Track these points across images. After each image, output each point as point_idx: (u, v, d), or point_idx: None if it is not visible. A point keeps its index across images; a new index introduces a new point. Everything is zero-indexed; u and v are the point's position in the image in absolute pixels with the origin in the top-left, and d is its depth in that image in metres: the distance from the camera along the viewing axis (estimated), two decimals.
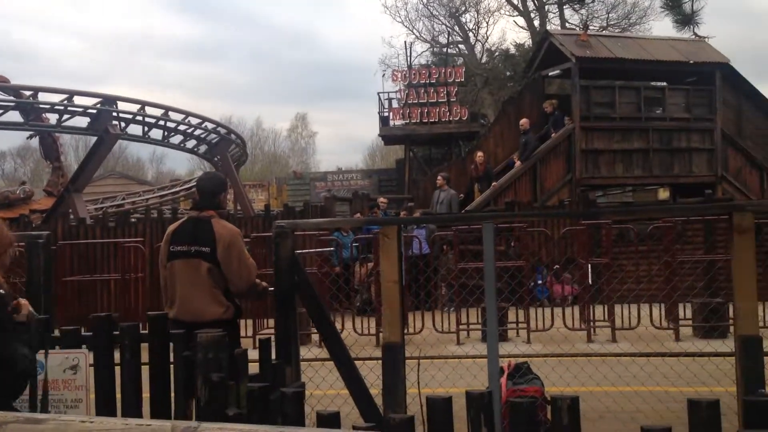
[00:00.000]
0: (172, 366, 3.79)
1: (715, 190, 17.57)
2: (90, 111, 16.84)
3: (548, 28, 28.85)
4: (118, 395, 3.76)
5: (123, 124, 17.74)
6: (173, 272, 4.64)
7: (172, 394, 3.77)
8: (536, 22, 33.04)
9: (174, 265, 4.64)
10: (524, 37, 34.12)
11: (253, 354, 3.90)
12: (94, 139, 18.01)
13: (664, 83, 19.04)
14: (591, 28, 28.69)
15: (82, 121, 17.53)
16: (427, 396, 2.94)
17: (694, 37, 18.10)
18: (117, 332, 3.74)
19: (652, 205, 18.16)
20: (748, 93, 18.61)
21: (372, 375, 4.64)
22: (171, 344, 3.82)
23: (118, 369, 3.78)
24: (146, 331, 3.80)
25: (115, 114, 17.20)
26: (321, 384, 5.43)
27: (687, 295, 10.76)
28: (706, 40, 18.45)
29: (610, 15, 32.55)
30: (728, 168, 18.20)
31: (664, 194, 25.03)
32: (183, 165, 55.48)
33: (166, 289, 4.73)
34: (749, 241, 4.04)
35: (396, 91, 22.57)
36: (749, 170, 18.53)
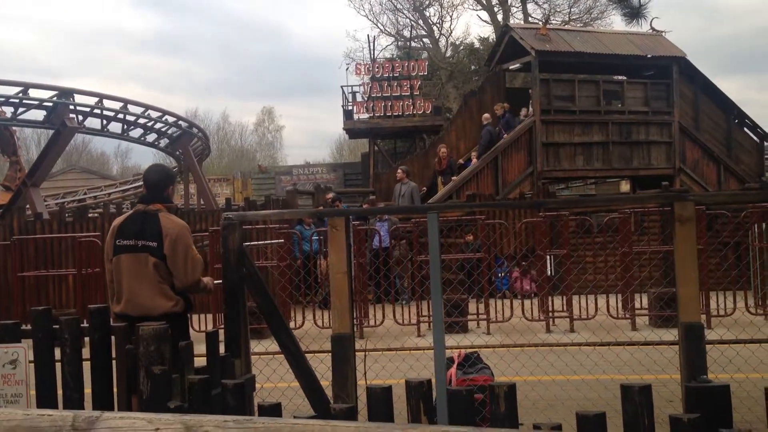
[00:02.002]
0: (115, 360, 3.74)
1: (674, 182, 17.87)
2: (46, 104, 16.54)
3: (510, 22, 29.02)
4: (61, 391, 3.71)
5: (81, 118, 17.45)
6: (119, 267, 4.58)
7: (115, 389, 3.72)
8: (499, 17, 33.22)
9: (120, 259, 4.58)
10: (488, 32, 34.35)
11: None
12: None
13: (623, 77, 19.30)
14: (553, 22, 28.98)
15: (39, 115, 17.24)
16: (367, 386, 2.95)
17: (651, 31, 18.46)
18: (57, 326, 3.68)
19: (600, 197, 18.45)
20: (704, 87, 18.94)
21: (323, 367, 4.64)
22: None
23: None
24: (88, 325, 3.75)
25: (72, 107, 16.91)
26: (272, 376, 5.42)
27: (644, 285, 10.94)
28: (663, 34, 18.77)
29: (572, 9, 32.89)
30: (686, 160, 18.52)
31: (625, 187, 25.42)
32: (149, 159, 54.70)
33: (113, 284, 4.66)
34: (690, 230, 4.10)
35: (359, 85, 22.54)
36: (706, 162, 18.88)
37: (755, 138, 19.90)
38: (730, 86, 59.28)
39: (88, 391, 3.68)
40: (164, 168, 5.27)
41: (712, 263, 11.38)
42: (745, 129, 19.85)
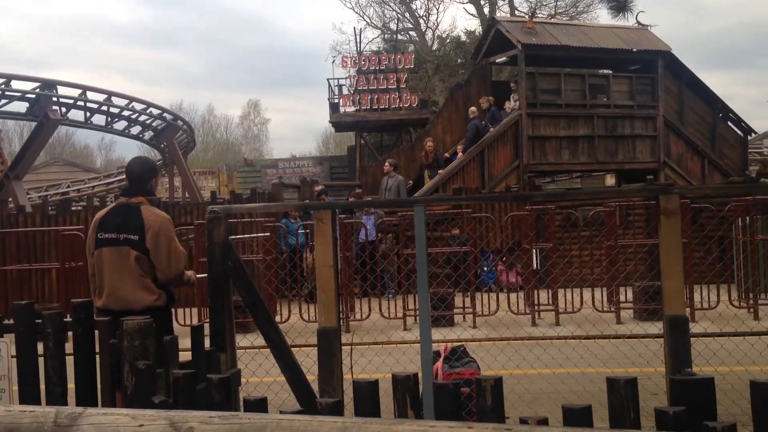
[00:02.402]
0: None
1: (658, 176, 17.97)
2: (29, 96, 16.36)
3: (496, 15, 29.01)
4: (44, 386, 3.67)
5: (64, 110, 17.29)
6: (101, 260, 4.54)
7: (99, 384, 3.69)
8: (486, 10, 33.21)
9: (102, 252, 4.53)
10: (474, 25, 34.36)
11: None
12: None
13: (609, 71, 19.36)
14: (539, 15, 29.00)
15: (22, 107, 17.04)
16: (353, 380, 2.94)
17: (637, 25, 18.52)
18: (39, 320, 3.63)
19: (586, 191, 18.55)
20: (688, 81, 19.03)
21: (309, 361, 4.63)
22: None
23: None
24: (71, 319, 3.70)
25: (55, 99, 16.75)
26: (257, 371, 5.40)
27: (629, 278, 11.00)
28: (649, 28, 18.84)
29: (558, 3, 32.93)
30: (670, 154, 18.62)
31: (610, 180, 25.55)
32: (133, 152, 54.31)
33: (94, 278, 4.62)
34: (675, 223, 4.11)
35: (346, 78, 22.47)
36: (691, 156, 18.99)
37: (739, 132, 20.04)
38: (715, 81, 59.75)
39: (72, 386, 3.65)
40: (147, 160, 5.21)
41: (696, 256, 11.46)
42: (729, 123, 19.98)
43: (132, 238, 4.47)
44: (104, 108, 18.77)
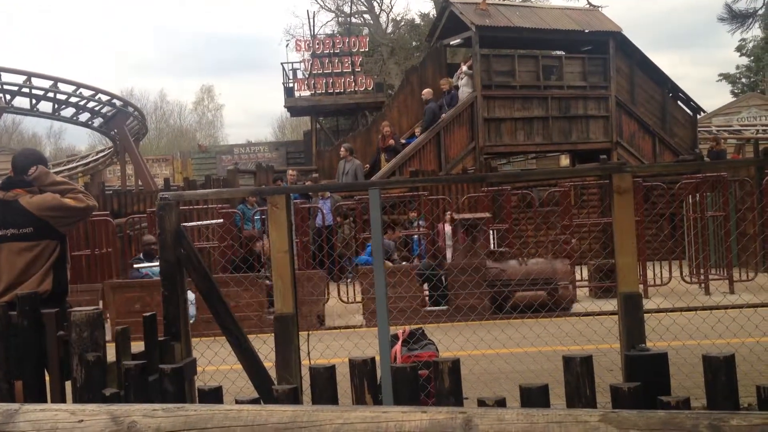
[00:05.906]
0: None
1: (611, 155, 18.22)
2: None
3: None
4: None
5: (8, 97, 16.76)
6: None
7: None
8: None
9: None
10: (428, 7, 34.32)
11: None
12: None
13: (561, 52, 19.52)
14: None
15: None
16: (310, 366, 2.90)
17: (588, 6, 18.70)
18: None
19: (541, 171, 18.75)
20: (639, 61, 19.30)
21: (266, 348, 4.57)
22: None
23: None
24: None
25: None
26: (214, 359, 5.32)
27: (584, 257, 11.15)
28: (600, 9, 19.04)
29: None
30: (623, 134, 18.90)
31: (565, 161, 25.85)
32: (83, 140, 53.34)
33: None
34: (628, 201, 4.16)
35: (300, 62, 22.24)
36: (642, 136, 19.30)
37: (689, 111, 20.42)
38: (665, 61, 60.78)
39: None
40: (32, 151, 5.27)
41: (648, 234, 11.68)
42: (679, 103, 20.35)
43: (24, 232, 4.43)
44: (51, 95, 18.24)
